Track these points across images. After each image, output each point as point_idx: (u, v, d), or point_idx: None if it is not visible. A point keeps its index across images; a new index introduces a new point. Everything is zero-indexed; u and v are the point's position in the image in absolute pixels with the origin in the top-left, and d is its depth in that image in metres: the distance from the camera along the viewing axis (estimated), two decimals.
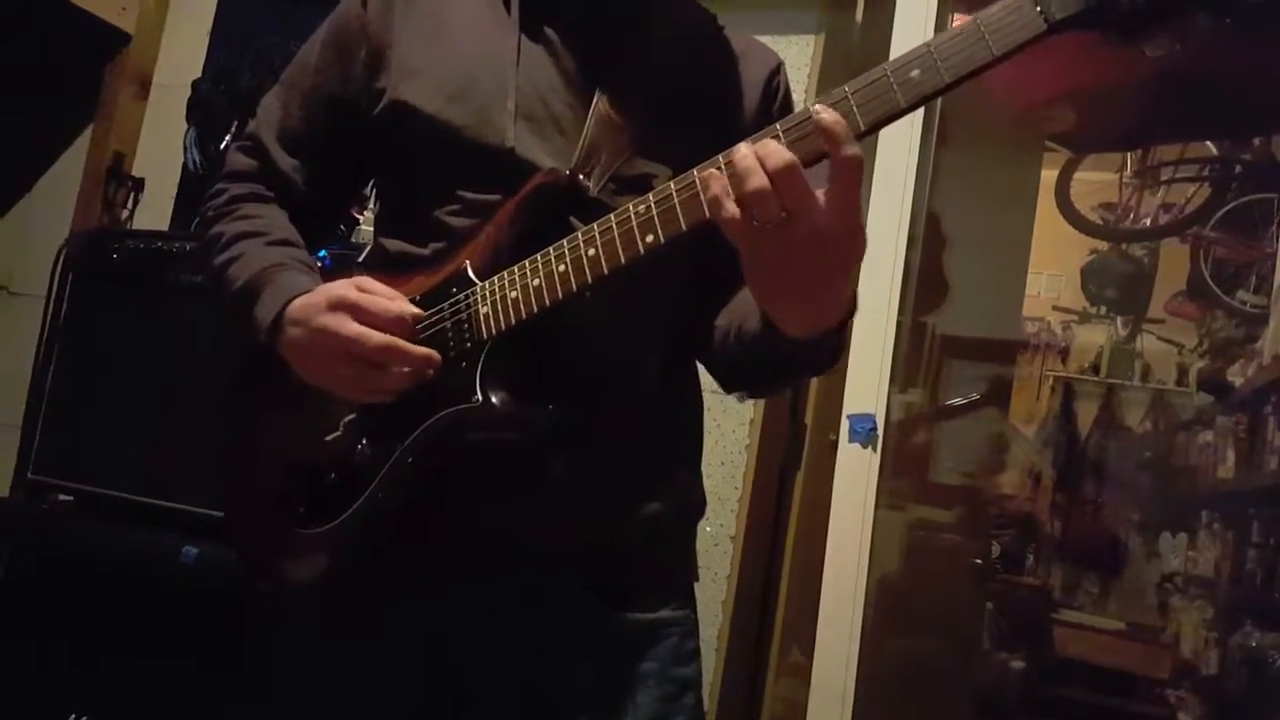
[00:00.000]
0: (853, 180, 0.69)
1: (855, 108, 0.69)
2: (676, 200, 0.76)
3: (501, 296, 0.85)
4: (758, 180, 0.69)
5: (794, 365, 0.90)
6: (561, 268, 0.82)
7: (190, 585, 1.68)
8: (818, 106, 0.70)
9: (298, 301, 0.88)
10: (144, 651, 1.71)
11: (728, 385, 1.02)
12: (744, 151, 0.70)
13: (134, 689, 1.71)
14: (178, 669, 1.68)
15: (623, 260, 0.79)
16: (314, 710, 0.95)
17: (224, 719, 1.58)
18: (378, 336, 0.84)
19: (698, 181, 0.74)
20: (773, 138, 0.71)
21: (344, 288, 0.87)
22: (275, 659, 1.01)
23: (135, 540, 1.77)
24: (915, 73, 0.68)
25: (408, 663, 0.92)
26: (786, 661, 1.98)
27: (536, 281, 0.83)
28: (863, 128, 0.69)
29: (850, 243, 0.72)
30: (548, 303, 0.83)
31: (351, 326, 0.84)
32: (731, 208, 0.70)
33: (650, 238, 0.77)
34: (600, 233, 0.80)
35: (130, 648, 1.73)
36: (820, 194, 0.69)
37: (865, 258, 0.76)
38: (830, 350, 0.84)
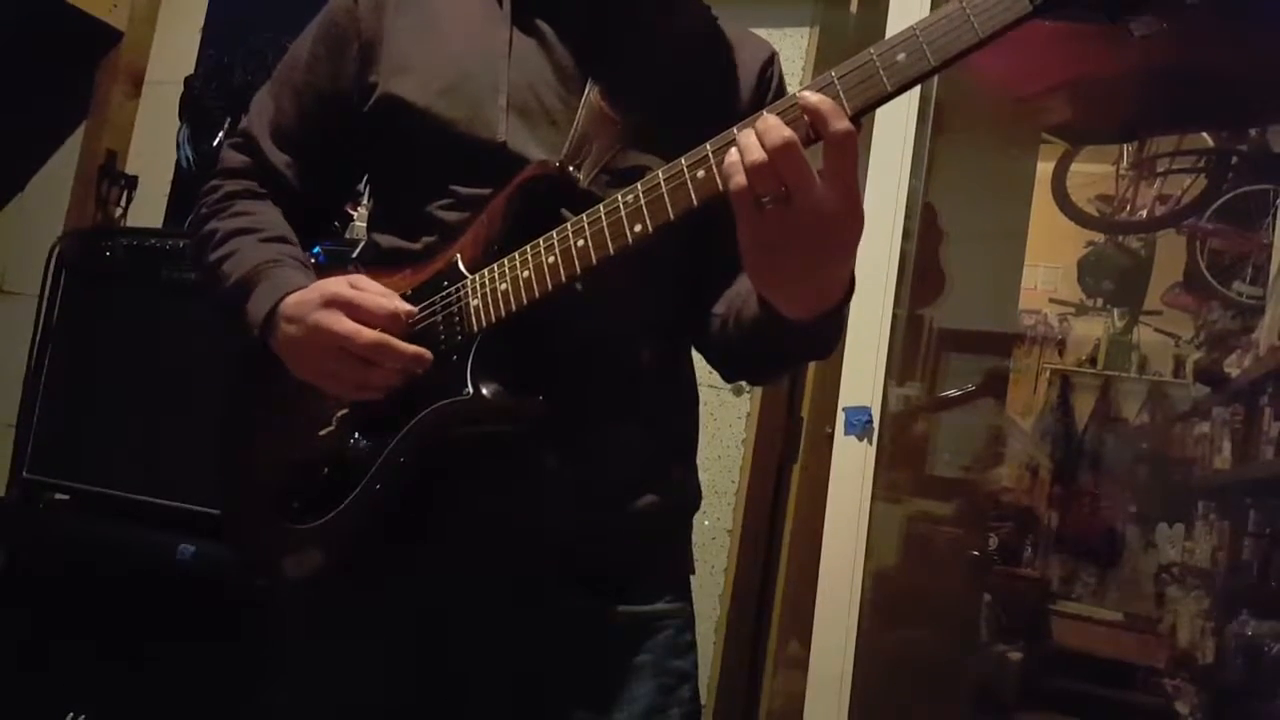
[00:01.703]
0: (847, 156, 0.69)
1: (842, 92, 0.69)
2: (665, 189, 0.76)
3: (492, 289, 0.85)
4: (757, 155, 0.69)
5: (793, 348, 0.90)
6: (551, 259, 0.82)
7: (188, 582, 1.68)
8: (803, 91, 0.70)
9: (292, 298, 0.88)
10: (141, 649, 1.71)
11: (728, 373, 1.02)
12: (746, 129, 0.71)
13: (132, 686, 1.71)
14: (175, 666, 1.68)
15: (611, 251, 0.79)
16: (312, 707, 0.95)
17: (221, 715, 1.58)
18: (369, 334, 0.84)
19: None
20: None
21: (338, 284, 0.87)
22: (273, 656, 1.01)
23: (132, 538, 1.77)
24: (901, 56, 0.68)
25: (404, 657, 0.92)
26: (784, 654, 1.98)
27: (526, 273, 0.83)
28: (849, 113, 0.69)
29: (849, 221, 0.71)
30: (537, 294, 0.83)
31: (345, 323, 0.84)
32: (741, 178, 0.70)
33: (639, 227, 0.77)
34: (589, 223, 0.80)
35: (128, 645, 1.73)
36: (818, 173, 0.69)
37: (860, 249, 0.76)
38: (830, 333, 0.84)
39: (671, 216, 0.76)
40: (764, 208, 0.70)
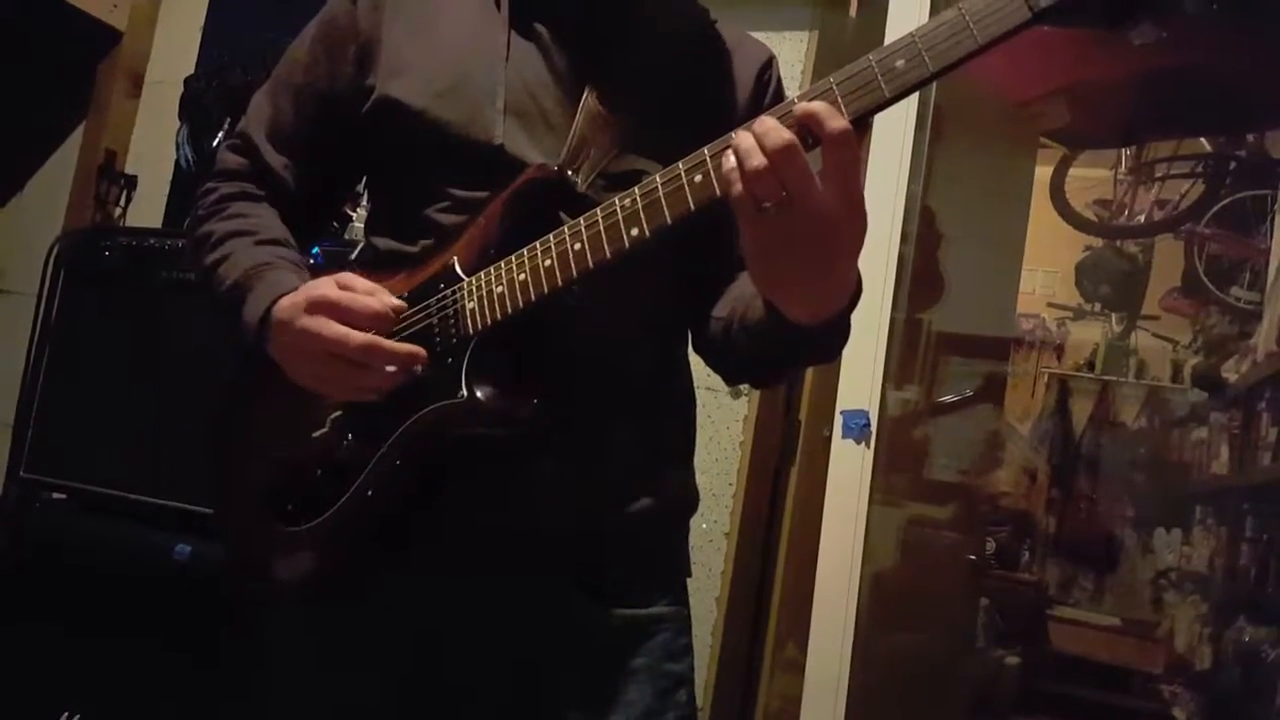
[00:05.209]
0: (846, 156, 0.69)
1: (840, 98, 0.69)
2: (662, 194, 0.76)
3: (488, 292, 0.85)
4: (757, 159, 0.68)
5: (800, 352, 0.89)
6: (548, 262, 0.82)
7: (184, 582, 1.68)
8: (797, 96, 0.70)
9: (283, 302, 0.88)
10: (138, 649, 1.71)
11: (731, 377, 1.02)
12: (744, 133, 0.70)
13: (128, 686, 1.71)
14: (172, 666, 1.68)
15: (608, 254, 0.78)
16: (307, 709, 0.95)
17: (217, 716, 1.58)
18: (359, 336, 0.83)
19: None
20: None
21: (324, 286, 0.86)
22: (265, 658, 1.01)
23: (129, 538, 1.77)
24: (900, 62, 0.68)
25: (399, 660, 0.92)
26: (781, 657, 1.98)
27: (523, 276, 0.83)
28: (848, 118, 0.69)
29: (852, 223, 0.71)
30: (534, 297, 0.82)
31: (333, 327, 0.84)
32: (739, 185, 0.69)
33: (635, 231, 0.77)
34: (586, 227, 0.80)
35: (124, 645, 1.73)
36: (818, 175, 0.69)
37: (859, 254, 0.75)
38: (836, 336, 0.83)
39: (668, 221, 0.75)
40: (765, 212, 0.69)
